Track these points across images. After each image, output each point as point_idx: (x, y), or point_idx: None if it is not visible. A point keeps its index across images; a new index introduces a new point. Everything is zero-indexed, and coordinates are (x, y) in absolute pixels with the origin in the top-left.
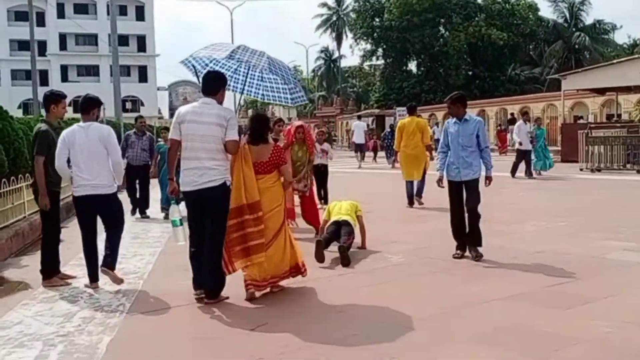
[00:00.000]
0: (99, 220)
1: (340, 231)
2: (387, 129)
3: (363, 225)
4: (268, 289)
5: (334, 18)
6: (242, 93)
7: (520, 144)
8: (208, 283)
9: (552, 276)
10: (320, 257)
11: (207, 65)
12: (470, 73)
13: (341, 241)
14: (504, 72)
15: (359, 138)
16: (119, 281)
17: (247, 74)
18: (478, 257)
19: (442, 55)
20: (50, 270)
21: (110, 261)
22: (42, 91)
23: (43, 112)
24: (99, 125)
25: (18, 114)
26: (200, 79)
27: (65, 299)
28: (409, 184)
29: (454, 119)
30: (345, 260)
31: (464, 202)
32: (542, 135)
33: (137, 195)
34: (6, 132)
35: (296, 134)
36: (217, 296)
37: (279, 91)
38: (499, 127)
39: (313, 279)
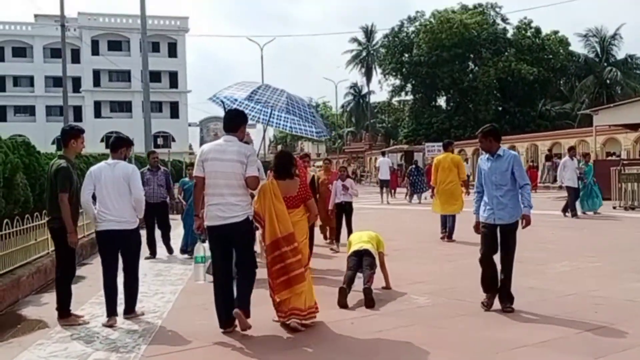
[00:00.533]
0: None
1: (362, 262)
2: (412, 166)
3: (384, 264)
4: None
5: (364, 54)
6: (267, 124)
7: (565, 180)
8: (241, 305)
9: (584, 321)
10: (343, 305)
11: (232, 102)
12: (500, 108)
13: (364, 280)
14: (535, 107)
15: (384, 174)
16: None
17: (270, 113)
18: (508, 309)
19: (471, 90)
20: (67, 309)
21: (129, 306)
22: None
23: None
24: (124, 163)
25: (52, 149)
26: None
27: (81, 339)
28: (443, 217)
29: (487, 155)
30: (369, 302)
31: (499, 249)
32: (591, 172)
33: (155, 235)
34: (32, 168)
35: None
36: (248, 316)
37: (306, 124)
38: (530, 164)
39: (335, 320)
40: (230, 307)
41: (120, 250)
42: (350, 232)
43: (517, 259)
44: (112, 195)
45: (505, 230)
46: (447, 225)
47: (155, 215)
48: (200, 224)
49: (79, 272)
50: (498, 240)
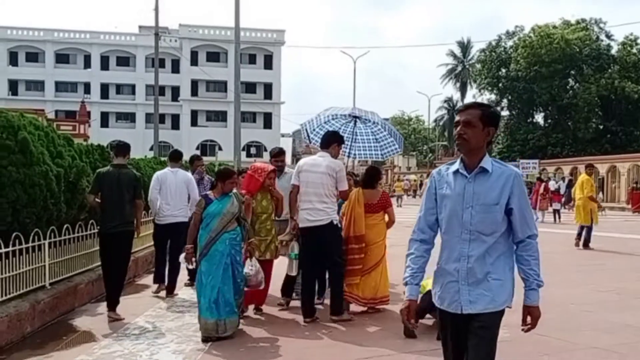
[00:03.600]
0: None
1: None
2: None
3: None
4: (366, 308)
5: (459, 68)
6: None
7: None
8: (333, 308)
9: None
10: (410, 334)
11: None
12: (601, 127)
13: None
14: (639, 127)
15: None
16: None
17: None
18: None
19: (571, 107)
20: (114, 301)
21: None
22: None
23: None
24: (183, 171)
25: (149, 154)
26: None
27: (124, 357)
28: (581, 227)
29: (457, 165)
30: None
31: None
32: None
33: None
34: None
35: (267, 179)
36: (340, 314)
37: (370, 149)
38: (634, 185)
39: (398, 353)
40: (313, 299)
41: (171, 239)
42: None
43: (612, 289)
44: (174, 195)
45: (480, 325)
46: (584, 237)
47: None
48: (295, 224)
49: (145, 280)
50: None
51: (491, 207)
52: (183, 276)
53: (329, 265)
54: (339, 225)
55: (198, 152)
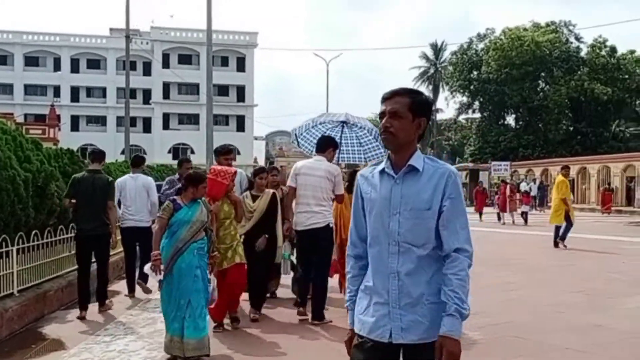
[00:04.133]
0: None
1: None
2: None
3: None
4: None
5: (432, 70)
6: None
7: None
8: (314, 308)
9: None
10: None
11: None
12: (571, 128)
13: None
14: (608, 128)
15: None
16: (148, 291)
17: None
18: None
19: (541, 109)
20: (84, 303)
21: (143, 277)
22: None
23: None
24: (144, 176)
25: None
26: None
27: None
28: (557, 228)
29: (383, 164)
30: None
31: None
32: None
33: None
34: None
35: (231, 182)
36: (322, 319)
37: (354, 152)
38: (606, 187)
39: None
40: (307, 295)
41: (138, 241)
42: None
43: (583, 290)
44: (134, 199)
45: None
46: (562, 232)
47: None
48: (289, 226)
49: (116, 286)
50: None
51: (422, 212)
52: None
53: (317, 264)
54: (333, 228)
55: (170, 156)
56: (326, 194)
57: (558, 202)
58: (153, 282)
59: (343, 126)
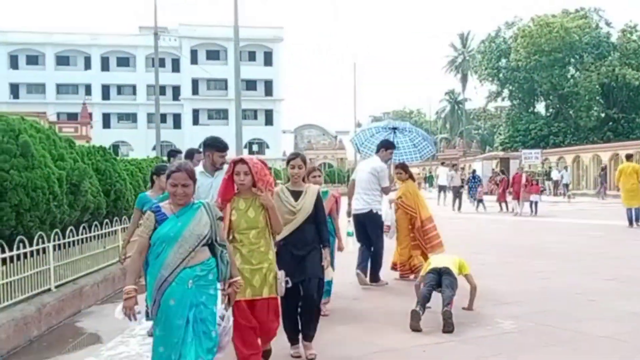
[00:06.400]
0: None
1: (440, 281)
2: (470, 175)
3: (474, 284)
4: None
5: (459, 60)
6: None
7: None
8: (372, 272)
9: None
10: (415, 328)
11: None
12: (602, 115)
13: (445, 302)
14: None
15: (442, 181)
16: None
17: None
18: None
19: (572, 96)
20: None
21: None
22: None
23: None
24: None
25: (152, 154)
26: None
27: (130, 358)
28: (629, 210)
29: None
30: (448, 327)
31: None
32: None
33: None
34: (108, 174)
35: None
36: (378, 280)
37: (410, 153)
38: None
39: (405, 347)
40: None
41: None
42: None
43: (617, 278)
44: None
45: None
46: (635, 214)
47: None
48: (349, 211)
49: None
50: None
51: None
52: None
53: (374, 243)
54: (379, 214)
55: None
56: (371, 186)
57: (637, 186)
58: None
59: (395, 132)
